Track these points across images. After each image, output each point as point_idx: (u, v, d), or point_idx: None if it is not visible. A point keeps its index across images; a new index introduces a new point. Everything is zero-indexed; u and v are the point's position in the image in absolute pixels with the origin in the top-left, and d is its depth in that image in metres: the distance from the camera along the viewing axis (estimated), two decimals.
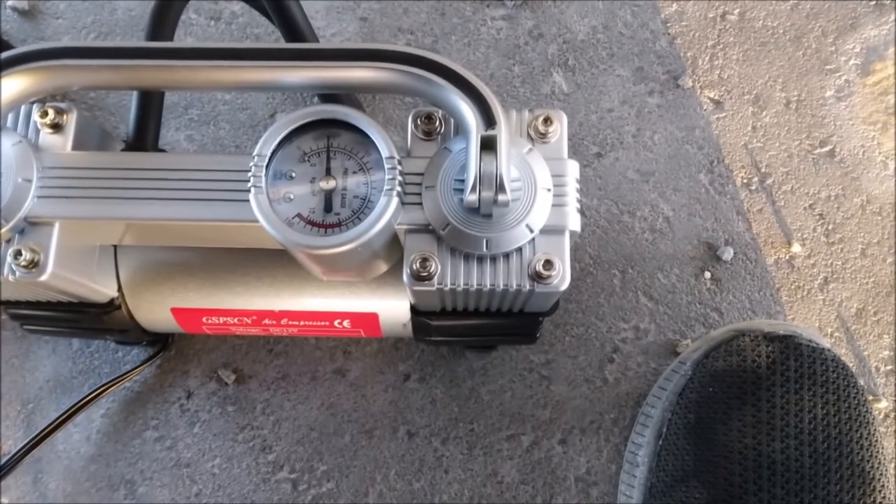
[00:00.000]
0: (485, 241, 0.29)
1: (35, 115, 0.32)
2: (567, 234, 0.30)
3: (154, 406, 0.46)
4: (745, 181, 0.48)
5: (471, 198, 0.28)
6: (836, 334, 0.46)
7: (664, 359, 0.46)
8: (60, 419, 0.43)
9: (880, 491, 0.38)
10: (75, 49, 0.29)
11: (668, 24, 0.51)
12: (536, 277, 0.29)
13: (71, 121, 0.32)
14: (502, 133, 0.27)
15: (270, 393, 0.46)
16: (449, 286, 0.30)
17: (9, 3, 0.53)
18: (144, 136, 0.33)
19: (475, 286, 0.30)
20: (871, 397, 0.45)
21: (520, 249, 0.30)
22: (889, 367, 0.46)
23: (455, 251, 0.30)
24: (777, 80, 0.50)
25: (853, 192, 0.48)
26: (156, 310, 0.37)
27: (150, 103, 0.33)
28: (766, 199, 0.48)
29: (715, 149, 0.49)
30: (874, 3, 0.51)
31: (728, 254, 0.47)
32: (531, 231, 0.29)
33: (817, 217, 0.47)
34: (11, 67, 0.29)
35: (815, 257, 0.47)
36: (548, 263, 0.29)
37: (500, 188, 0.27)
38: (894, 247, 0.47)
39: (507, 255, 0.30)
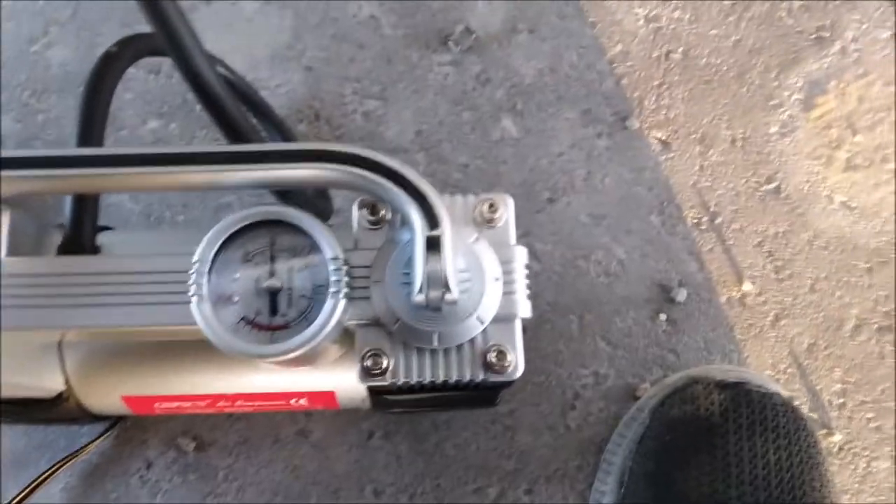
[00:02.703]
0: (436, 335, 0.29)
1: None
2: (518, 322, 0.30)
3: (113, 478, 0.45)
4: (694, 221, 0.49)
5: (418, 298, 0.28)
6: (789, 370, 0.47)
7: (624, 403, 0.46)
8: (20, 496, 0.42)
9: None
10: (7, 160, 0.28)
11: (614, 65, 0.51)
12: (489, 368, 0.29)
13: (3, 225, 0.31)
14: (446, 233, 0.27)
15: (232, 458, 0.45)
16: (402, 380, 0.29)
17: None
18: (81, 236, 0.32)
19: (428, 379, 0.29)
20: (824, 431, 0.46)
21: (472, 341, 0.30)
22: (841, 401, 0.47)
23: (407, 346, 0.29)
24: (722, 117, 0.50)
25: (800, 228, 0.49)
26: (106, 399, 0.36)
27: (86, 203, 0.32)
28: (716, 239, 0.48)
29: (664, 189, 0.49)
30: (814, 37, 0.52)
31: (682, 295, 0.47)
32: (482, 322, 0.29)
33: (766, 254, 0.48)
34: None
35: (766, 294, 0.48)
36: (500, 354, 0.29)
37: (447, 287, 0.27)
38: (842, 280, 0.48)
39: (459, 347, 0.30)
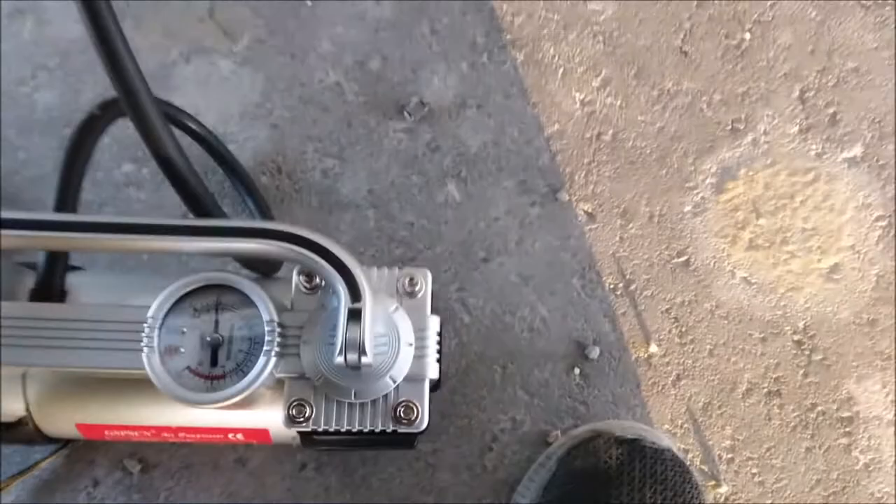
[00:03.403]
0: (353, 391, 0.34)
1: None
2: (426, 382, 0.35)
3: (62, 494, 0.49)
4: (612, 286, 0.54)
5: (338, 360, 0.33)
6: (685, 425, 0.52)
7: (537, 447, 0.51)
8: None
9: None
10: None
11: (550, 142, 0.57)
12: (398, 420, 0.34)
13: None
14: (366, 306, 0.32)
15: (174, 482, 0.49)
16: (322, 427, 0.34)
17: None
18: (51, 283, 0.37)
19: (345, 428, 0.34)
20: (713, 482, 0.52)
21: (385, 396, 0.35)
22: (730, 456, 0.52)
23: (328, 398, 0.34)
24: (643, 195, 0.56)
25: (704, 298, 0.54)
26: (61, 424, 0.40)
27: (57, 256, 0.36)
28: (629, 303, 0.54)
29: (587, 256, 0.55)
30: (730, 128, 0.58)
31: (595, 352, 0.53)
32: (394, 381, 0.34)
33: (672, 320, 0.54)
34: None
35: (670, 356, 0.53)
36: (408, 408, 0.34)
37: (364, 352, 0.32)
38: (738, 348, 0.54)
39: (373, 402, 0.34)
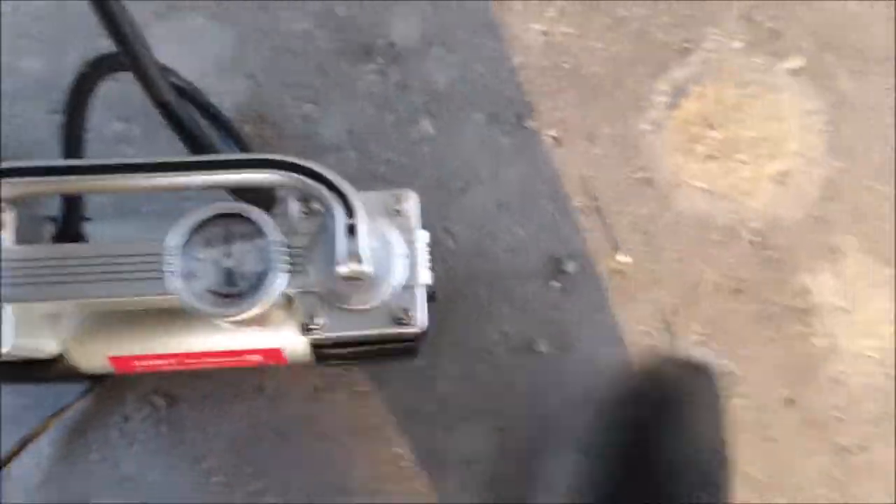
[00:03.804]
0: (355, 298, 0.38)
1: None
2: (420, 287, 0.40)
3: (94, 431, 0.53)
4: (581, 205, 0.59)
5: (341, 270, 0.37)
6: (658, 326, 0.58)
7: (525, 355, 0.56)
8: (12, 452, 0.50)
9: None
10: (9, 170, 0.36)
11: (515, 73, 0.60)
12: (398, 323, 0.39)
13: (10, 219, 0.39)
14: (360, 221, 0.36)
15: (198, 412, 0.54)
16: (333, 334, 0.39)
17: None
18: (71, 226, 0.40)
19: (353, 332, 0.39)
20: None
21: (385, 302, 0.39)
22: (701, 350, 0.58)
23: (335, 307, 0.39)
24: (604, 118, 0.60)
25: (666, 209, 0.59)
26: (94, 359, 0.45)
27: (74, 200, 0.40)
28: (598, 220, 0.59)
29: (556, 179, 0.59)
30: (678, 48, 0.62)
31: (571, 266, 0.58)
32: (391, 287, 0.39)
33: (640, 232, 0.59)
34: None
35: (639, 265, 0.58)
36: (406, 311, 0.39)
37: (361, 262, 0.37)
38: (700, 251, 0.59)
39: (375, 308, 0.39)
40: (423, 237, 0.40)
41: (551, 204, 0.59)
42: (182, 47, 0.59)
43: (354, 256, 0.36)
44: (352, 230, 0.36)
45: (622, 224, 0.59)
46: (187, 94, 0.53)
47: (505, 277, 0.57)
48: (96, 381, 0.53)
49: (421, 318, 0.39)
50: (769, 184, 0.60)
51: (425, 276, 0.40)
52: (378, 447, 0.54)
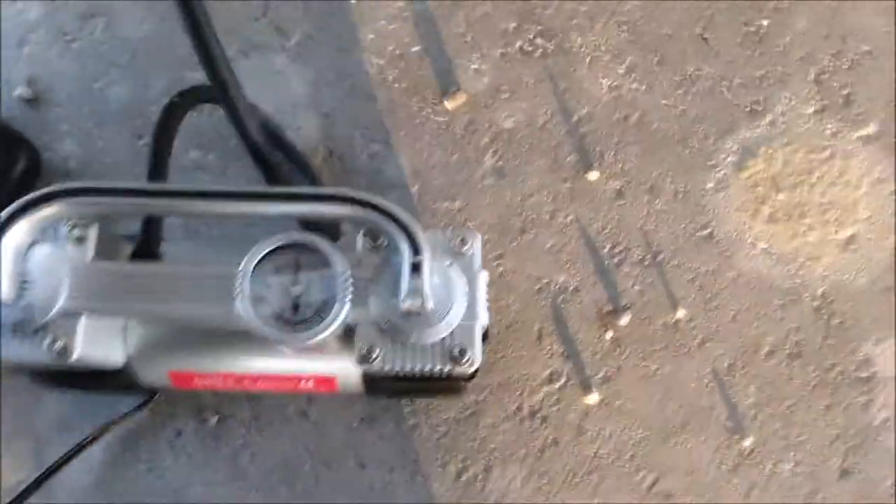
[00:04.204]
0: (415, 334, 0.39)
1: (64, 230, 0.41)
2: (478, 327, 0.40)
3: (146, 442, 0.55)
4: (640, 257, 0.59)
5: (402, 306, 0.38)
6: (711, 384, 0.57)
7: (572, 402, 0.56)
8: (67, 456, 0.52)
9: None
10: (101, 189, 0.38)
11: (580, 124, 0.61)
12: (454, 361, 0.39)
13: (92, 234, 0.41)
14: (425, 260, 0.37)
15: (246, 430, 0.55)
16: (387, 367, 0.39)
17: (16, 92, 0.61)
18: (149, 245, 0.42)
19: (408, 368, 0.39)
20: (737, 436, 0.56)
21: (442, 339, 0.40)
22: (753, 412, 0.56)
23: (393, 340, 0.39)
24: (668, 173, 0.60)
25: (727, 268, 0.59)
26: (155, 373, 0.46)
27: (152, 223, 0.42)
28: (656, 273, 0.58)
29: (616, 229, 0.59)
30: (749, 110, 0.62)
31: (626, 318, 0.57)
32: (450, 326, 0.39)
33: (698, 288, 0.58)
34: (51, 200, 0.38)
35: (696, 321, 0.58)
36: (462, 350, 0.39)
37: (424, 299, 0.37)
38: (759, 313, 0.58)
39: (432, 344, 0.39)
40: (483, 278, 0.41)
41: (609, 253, 0.59)
42: (262, 84, 0.62)
43: (417, 293, 0.37)
44: (416, 268, 0.37)
45: (681, 279, 0.58)
46: (268, 128, 0.56)
47: (558, 322, 0.57)
48: (152, 394, 0.54)
49: (476, 357, 0.39)
50: (835, 249, 0.59)
51: (484, 316, 0.40)
52: (418, 481, 0.54)
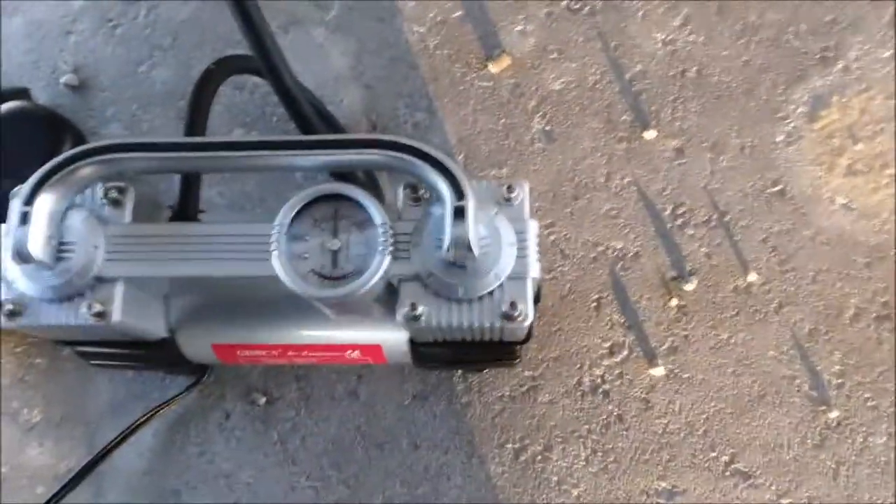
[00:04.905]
0: (461, 287, 0.36)
1: (99, 193, 0.40)
2: (529, 280, 0.37)
3: (196, 425, 0.54)
4: (705, 219, 0.55)
5: (446, 255, 0.35)
6: (791, 352, 0.52)
7: (635, 375, 0.52)
8: (118, 439, 0.51)
9: None
10: (131, 144, 0.37)
11: (633, 82, 0.58)
12: (504, 317, 0.36)
13: (129, 197, 0.40)
14: (470, 204, 0.34)
15: (295, 412, 0.53)
16: (434, 324, 0.37)
17: (62, 79, 0.62)
18: (187, 208, 0.41)
19: (455, 324, 0.37)
20: (823, 407, 0.51)
21: (491, 293, 0.37)
22: (840, 381, 0.51)
23: (439, 296, 0.37)
24: (732, 128, 0.56)
25: (803, 226, 0.54)
26: (199, 345, 0.45)
27: (192, 181, 0.41)
28: (724, 234, 0.54)
29: (678, 190, 0.55)
30: (819, 56, 0.57)
31: (692, 283, 0.53)
32: (498, 278, 0.36)
33: (771, 249, 0.54)
34: (83, 159, 0.37)
35: (770, 284, 0.53)
36: (513, 305, 0.36)
37: (469, 247, 0.35)
38: (842, 273, 0.53)
39: (480, 299, 0.37)
40: (533, 228, 0.38)
41: (671, 215, 0.55)
42: (304, 58, 0.61)
43: (462, 242, 0.34)
44: (460, 213, 0.34)
45: (752, 240, 0.54)
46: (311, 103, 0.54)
47: (617, 290, 0.54)
48: (200, 375, 0.53)
49: (529, 312, 0.36)
50: None
51: (535, 269, 0.37)
52: (474, 462, 0.51)
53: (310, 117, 0.38)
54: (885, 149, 0.55)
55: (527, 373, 0.53)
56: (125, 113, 0.61)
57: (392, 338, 0.43)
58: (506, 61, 0.58)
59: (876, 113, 0.56)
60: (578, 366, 0.53)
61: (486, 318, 0.37)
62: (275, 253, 0.36)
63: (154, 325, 0.43)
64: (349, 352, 0.44)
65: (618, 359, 0.53)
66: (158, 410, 0.52)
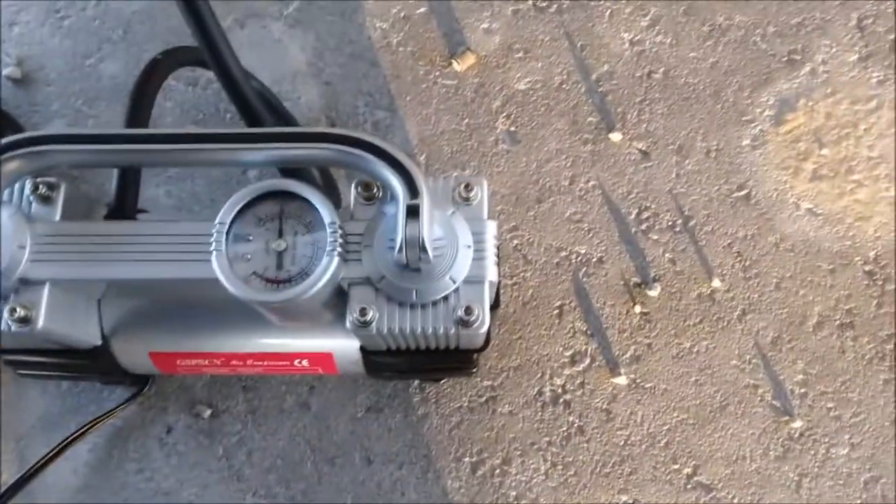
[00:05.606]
0: (414, 291, 0.34)
1: (28, 189, 0.37)
2: (486, 284, 0.35)
3: (135, 440, 0.50)
4: (670, 223, 0.53)
5: (399, 256, 0.33)
6: (754, 360, 0.51)
7: (597, 385, 0.50)
8: (50, 454, 0.47)
9: None
10: (62, 136, 0.34)
11: (600, 83, 0.56)
12: (460, 322, 0.34)
13: (59, 193, 0.37)
14: (424, 202, 0.32)
15: (242, 425, 0.50)
16: (386, 330, 0.34)
17: (4, 72, 0.58)
18: (124, 204, 0.38)
19: (408, 330, 0.34)
20: (786, 418, 0.50)
21: (446, 298, 0.35)
22: (803, 390, 0.50)
23: (391, 300, 0.35)
24: (698, 131, 0.55)
25: (768, 232, 0.53)
26: (135, 354, 0.42)
27: (129, 177, 0.38)
28: (689, 239, 0.53)
29: (643, 194, 0.54)
30: (786, 59, 0.56)
31: (655, 289, 0.52)
32: (454, 282, 0.34)
33: (735, 255, 0.53)
34: (9, 151, 0.34)
35: (734, 291, 0.52)
36: (468, 309, 0.34)
37: (423, 249, 0.32)
38: (806, 280, 0.52)
39: (434, 303, 0.35)
40: (492, 229, 0.36)
41: (636, 220, 0.53)
42: (261, 53, 0.58)
43: (415, 241, 0.32)
44: (414, 212, 0.32)
45: (716, 245, 0.53)
46: (262, 96, 0.52)
47: (580, 297, 0.52)
48: (140, 387, 0.50)
49: (485, 317, 0.34)
50: (888, 207, 0.53)
51: (493, 272, 0.35)
52: (430, 477, 0.49)
53: (257, 109, 0.36)
54: (851, 153, 0.54)
55: (486, 382, 0.51)
56: (70, 108, 0.58)
57: (343, 346, 0.41)
58: (470, 59, 0.56)
59: (842, 117, 0.55)
60: (539, 375, 0.51)
61: (440, 323, 0.34)
62: (215, 254, 0.34)
63: (86, 332, 0.40)
64: (297, 360, 0.42)
65: (580, 368, 0.51)
66: (94, 424, 0.49)
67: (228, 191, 0.54)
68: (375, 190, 0.36)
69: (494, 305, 0.37)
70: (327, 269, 0.33)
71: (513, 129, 0.56)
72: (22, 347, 0.40)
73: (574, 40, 0.57)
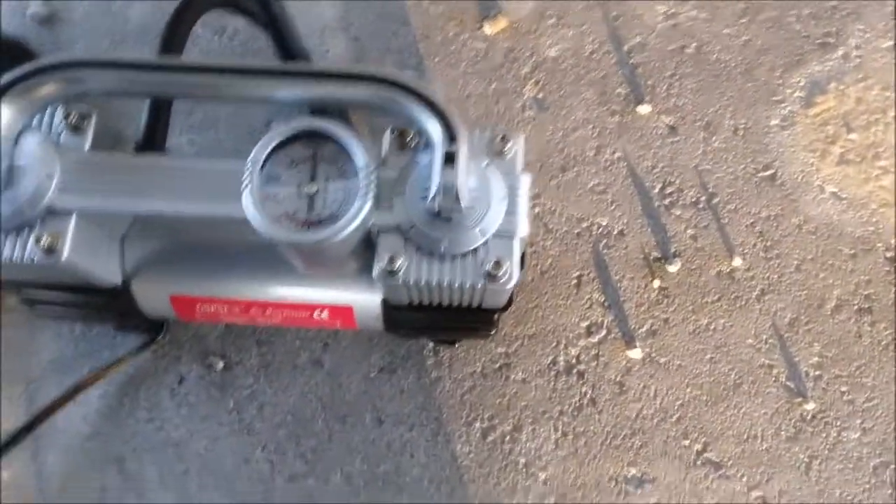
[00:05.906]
0: (444, 241, 0.34)
1: (59, 117, 0.36)
2: (517, 239, 0.35)
3: (147, 389, 0.50)
4: (693, 199, 0.53)
5: (431, 205, 0.32)
6: (770, 341, 0.51)
7: (610, 357, 0.50)
8: (61, 399, 0.47)
9: None
10: (96, 61, 0.33)
11: (631, 54, 0.56)
12: (488, 276, 0.34)
13: (90, 123, 0.36)
14: (462, 149, 0.32)
15: (254, 380, 0.50)
16: (413, 281, 0.34)
17: (29, 10, 0.57)
18: (153, 139, 0.38)
19: (434, 282, 0.34)
20: (799, 399, 0.50)
21: (475, 251, 0.34)
22: (817, 373, 0.50)
23: (419, 250, 0.34)
24: (727, 108, 0.55)
25: (791, 213, 0.53)
26: (156, 297, 0.41)
27: (160, 110, 0.37)
28: (711, 216, 0.53)
29: (668, 168, 0.53)
30: (820, 42, 0.56)
31: (675, 265, 0.51)
32: (484, 235, 0.34)
33: (757, 234, 0.52)
34: (43, 74, 0.33)
35: (754, 270, 0.52)
36: (497, 264, 0.34)
37: (457, 197, 0.32)
38: (826, 263, 0.52)
39: (464, 255, 0.34)
40: (525, 183, 0.35)
41: (659, 194, 0.53)
42: (290, 5, 0.57)
43: (450, 190, 0.32)
44: (450, 159, 0.32)
45: (739, 224, 0.52)
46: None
47: (599, 268, 0.52)
48: (155, 334, 0.49)
49: (514, 272, 0.34)
50: None
51: (524, 228, 0.35)
52: (440, 440, 0.49)
53: (297, 49, 0.35)
54: (879, 140, 0.54)
55: (500, 349, 0.51)
56: (95, 49, 0.57)
57: (365, 299, 0.40)
58: (502, 23, 0.56)
59: (872, 103, 0.55)
60: (554, 344, 0.51)
61: (468, 276, 0.34)
62: (246, 191, 0.33)
63: (108, 270, 0.39)
64: (317, 312, 0.42)
65: (595, 339, 0.51)
66: (107, 371, 0.48)
67: (252, 141, 0.54)
68: (410, 138, 0.36)
69: (521, 262, 0.37)
70: (359, 213, 0.33)
71: (540, 95, 0.55)
72: (42, 281, 0.39)
73: (608, 10, 0.56)
